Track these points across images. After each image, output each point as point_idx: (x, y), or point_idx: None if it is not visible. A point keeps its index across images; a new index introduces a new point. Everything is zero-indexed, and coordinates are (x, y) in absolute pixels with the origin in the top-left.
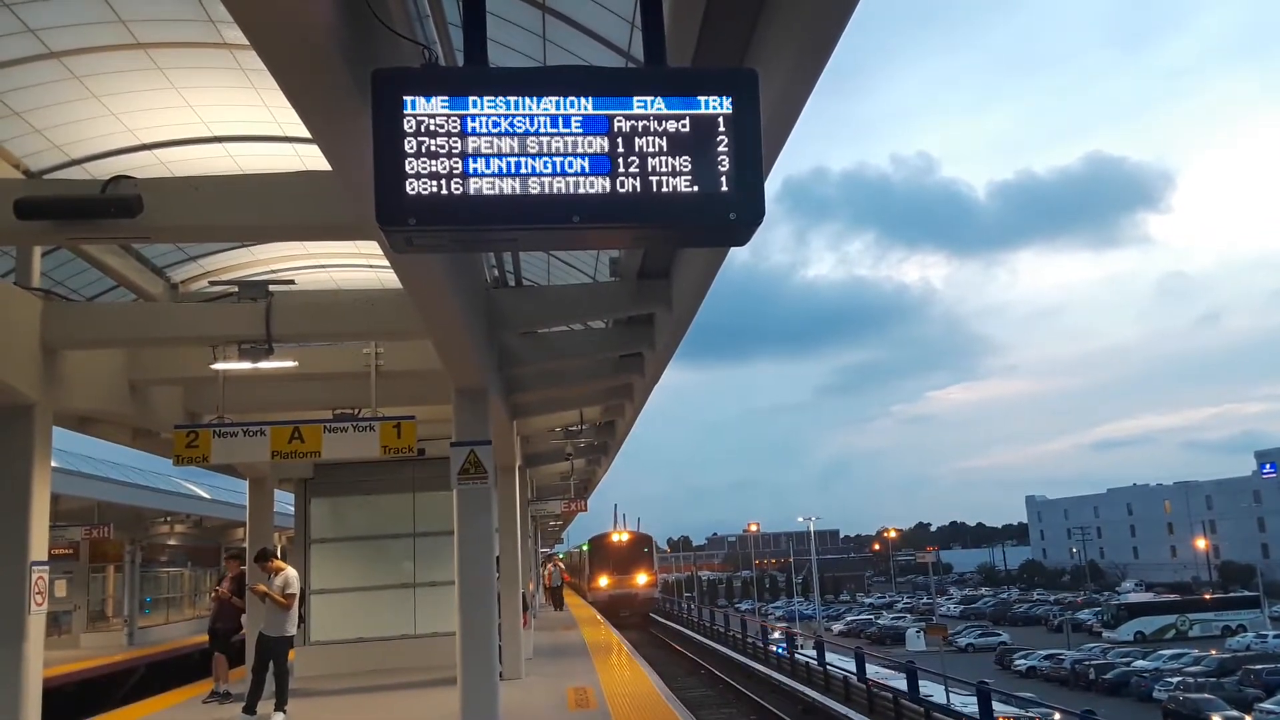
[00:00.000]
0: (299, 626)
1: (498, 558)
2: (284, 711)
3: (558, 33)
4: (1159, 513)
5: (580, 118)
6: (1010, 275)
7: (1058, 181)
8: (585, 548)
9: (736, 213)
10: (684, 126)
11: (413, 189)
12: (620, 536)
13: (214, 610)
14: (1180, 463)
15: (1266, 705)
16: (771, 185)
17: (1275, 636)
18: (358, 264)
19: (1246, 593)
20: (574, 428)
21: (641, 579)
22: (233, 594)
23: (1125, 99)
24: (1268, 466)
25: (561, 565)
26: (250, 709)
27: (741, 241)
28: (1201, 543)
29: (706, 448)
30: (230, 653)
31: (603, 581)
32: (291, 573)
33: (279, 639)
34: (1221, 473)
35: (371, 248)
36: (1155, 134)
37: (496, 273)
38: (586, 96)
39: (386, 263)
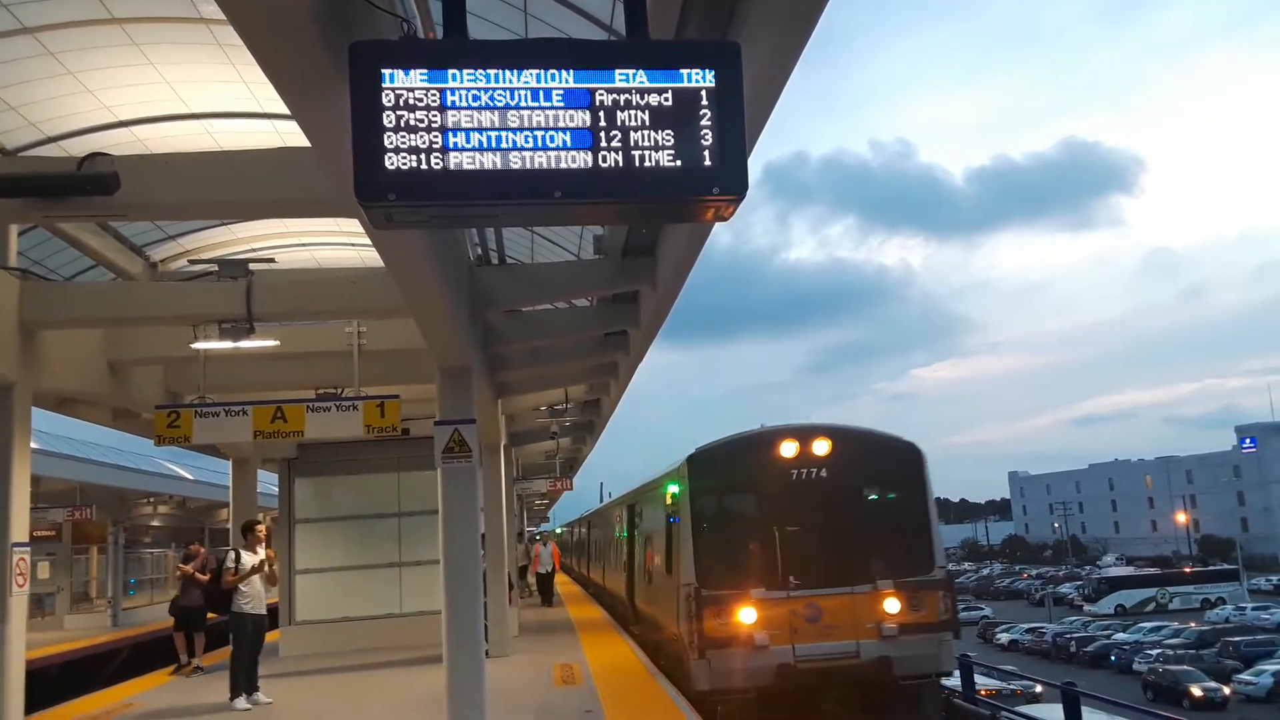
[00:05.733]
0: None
1: (483, 536)
2: (244, 695)
3: (539, 6)
4: (1140, 487)
5: (561, 91)
6: (990, 256)
7: (1034, 167)
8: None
9: (720, 187)
10: (666, 100)
11: (392, 164)
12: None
13: (181, 587)
14: (1162, 438)
15: (1244, 676)
16: (753, 169)
17: (1253, 609)
18: (339, 242)
19: (1226, 566)
20: (559, 406)
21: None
22: (197, 571)
23: (1105, 79)
24: (1247, 441)
25: (554, 546)
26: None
27: (724, 216)
28: (1181, 517)
29: (693, 425)
30: (198, 629)
31: (745, 618)
32: (237, 551)
33: (231, 617)
34: (1202, 448)
35: (353, 225)
36: (1133, 115)
37: (480, 250)
38: (568, 70)
39: (368, 241)
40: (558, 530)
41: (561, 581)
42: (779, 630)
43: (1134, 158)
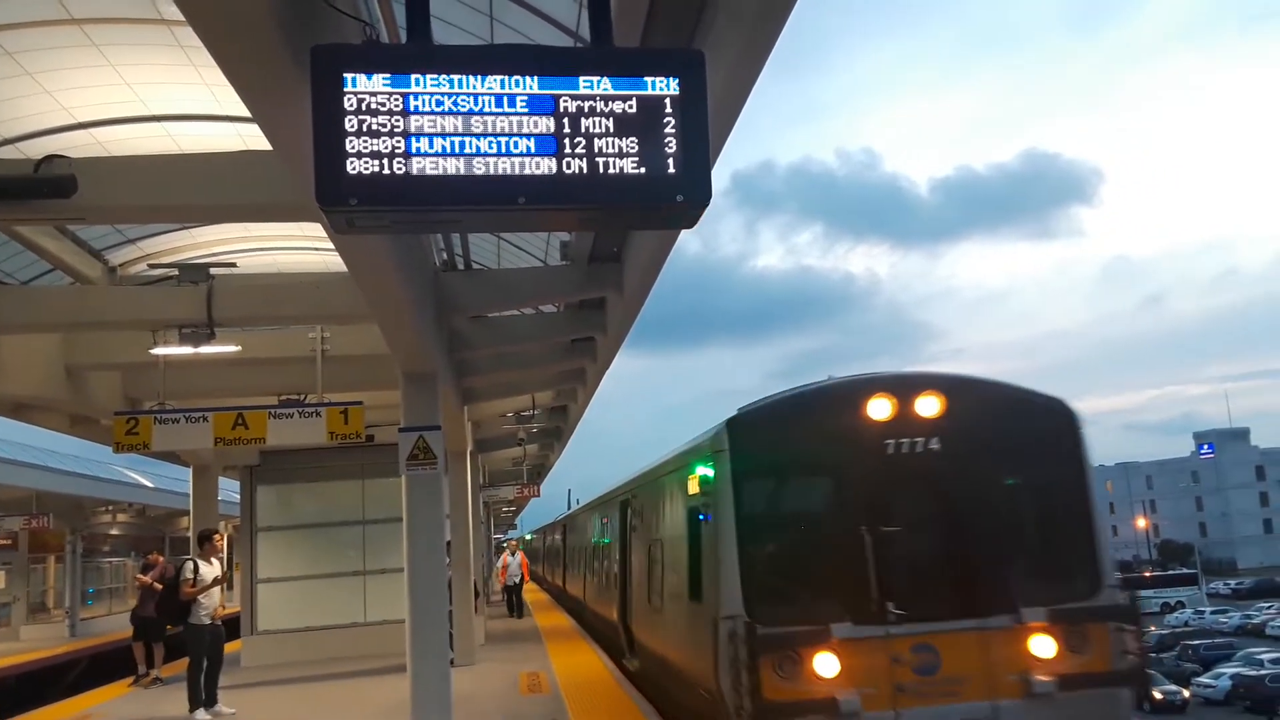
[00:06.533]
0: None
1: (449, 544)
2: (204, 707)
3: (505, 11)
4: (1101, 493)
5: (526, 97)
6: (953, 266)
7: (996, 177)
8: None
9: (684, 194)
10: (630, 108)
11: (353, 168)
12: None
13: (140, 598)
14: (1122, 444)
15: (1203, 679)
16: (720, 177)
17: (1212, 612)
18: (303, 246)
19: (1185, 570)
20: (526, 412)
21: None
22: (155, 581)
23: (1067, 89)
24: (1205, 447)
25: (522, 553)
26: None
27: (689, 223)
28: (1141, 522)
29: (662, 431)
30: (157, 640)
31: (823, 669)
32: (195, 562)
33: (187, 628)
34: (1162, 454)
35: (316, 230)
36: (1093, 125)
37: (445, 256)
38: (532, 76)
39: (332, 245)
40: (527, 537)
41: (530, 590)
42: (875, 687)
43: (1093, 169)
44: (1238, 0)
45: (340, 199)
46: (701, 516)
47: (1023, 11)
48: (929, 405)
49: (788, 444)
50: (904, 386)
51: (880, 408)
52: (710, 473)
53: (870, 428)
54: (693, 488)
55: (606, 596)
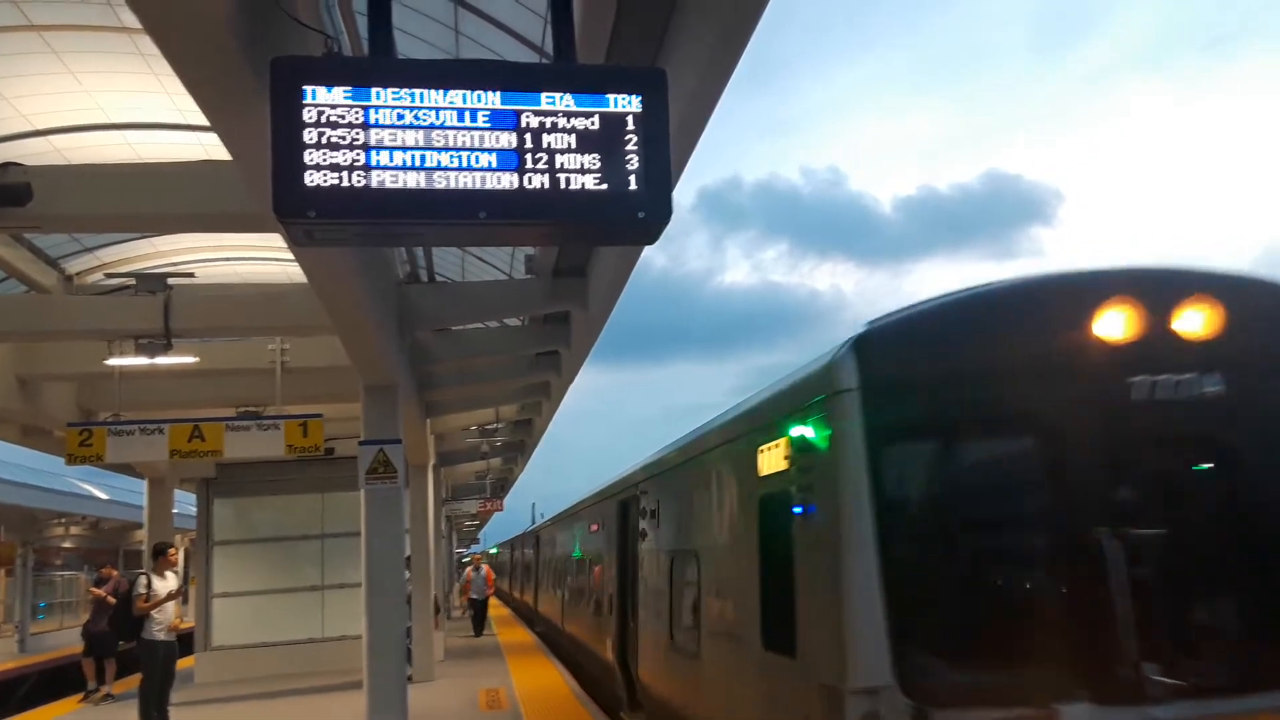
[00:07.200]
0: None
1: (408, 559)
2: None
3: (470, 25)
4: None
5: (488, 112)
6: (917, 283)
7: (959, 198)
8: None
9: (645, 211)
10: (593, 124)
11: (312, 180)
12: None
13: (92, 612)
14: None
15: None
16: (687, 193)
17: None
18: (263, 257)
19: None
20: (490, 426)
21: None
22: (109, 595)
23: (1029, 112)
24: None
25: (487, 568)
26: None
27: (650, 240)
28: None
29: (626, 445)
30: (108, 655)
31: None
32: (149, 576)
33: (140, 644)
34: None
35: (277, 240)
36: (1054, 148)
37: (409, 268)
38: (494, 91)
39: (293, 256)
40: (492, 550)
41: (495, 606)
42: None
43: (1054, 190)
44: (1195, 26)
45: (298, 211)
46: (797, 510)
47: (986, 35)
48: (1196, 319)
49: (966, 382)
50: (1158, 288)
51: (1113, 323)
52: (814, 434)
53: (1104, 355)
54: (770, 464)
55: (596, 626)
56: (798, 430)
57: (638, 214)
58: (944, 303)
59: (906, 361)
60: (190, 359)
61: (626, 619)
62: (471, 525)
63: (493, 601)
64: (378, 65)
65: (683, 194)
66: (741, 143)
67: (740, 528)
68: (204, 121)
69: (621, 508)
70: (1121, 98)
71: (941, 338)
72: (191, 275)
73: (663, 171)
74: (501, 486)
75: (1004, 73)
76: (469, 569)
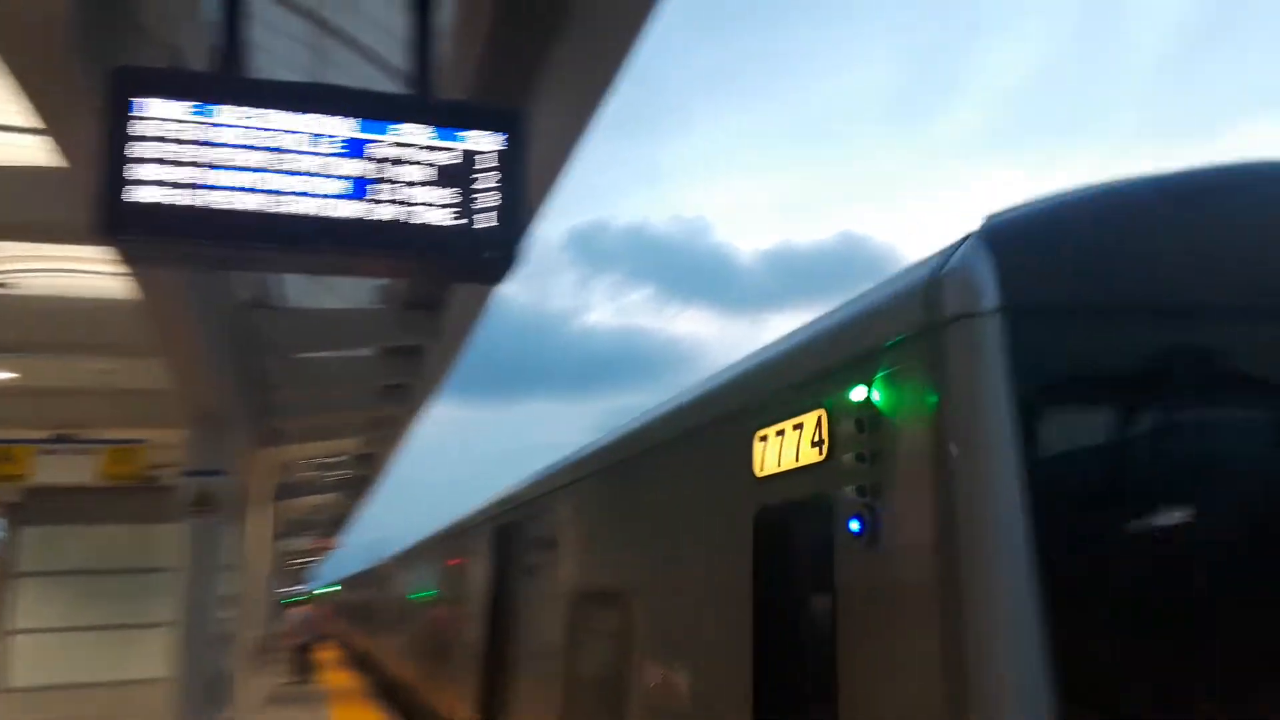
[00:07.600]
0: None
1: (233, 597)
2: None
3: (335, 51)
4: None
5: (336, 139)
6: (775, 333)
7: (815, 253)
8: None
9: (491, 251)
10: (445, 159)
11: (140, 197)
12: None
13: None
14: None
15: None
16: (557, 232)
17: None
18: (102, 270)
19: None
20: (331, 459)
21: None
22: None
23: (880, 178)
24: None
25: (314, 608)
26: None
27: (495, 280)
28: None
29: (474, 482)
30: None
31: None
32: None
33: None
34: None
35: (111, 253)
36: (900, 212)
37: (255, 292)
38: (345, 117)
39: (124, 272)
40: (334, 589)
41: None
42: None
43: (901, 253)
44: (1034, 113)
45: (120, 228)
46: (854, 526)
47: (849, 102)
48: None
49: (1179, 310)
50: None
51: None
52: (897, 398)
53: None
54: (777, 458)
55: (451, 679)
56: (858, 394)
57: (483, 253)
58: (1138, 184)
59: (1083, 272)
60: (7, 374)
61: (494, 675)
62: (301, 563)
63: (330, 645)
64: (223, 82)
65: (553, 232)
66: (616, 186)
67: (714, 559)
68: (34, 124)
69: (500, 535)
70: (974, 170)
71: (1147, 230)
72: (3, 286)
73: (515, 212)
74: (337, 523)
75: (860, 141)
76: (293, 609)
